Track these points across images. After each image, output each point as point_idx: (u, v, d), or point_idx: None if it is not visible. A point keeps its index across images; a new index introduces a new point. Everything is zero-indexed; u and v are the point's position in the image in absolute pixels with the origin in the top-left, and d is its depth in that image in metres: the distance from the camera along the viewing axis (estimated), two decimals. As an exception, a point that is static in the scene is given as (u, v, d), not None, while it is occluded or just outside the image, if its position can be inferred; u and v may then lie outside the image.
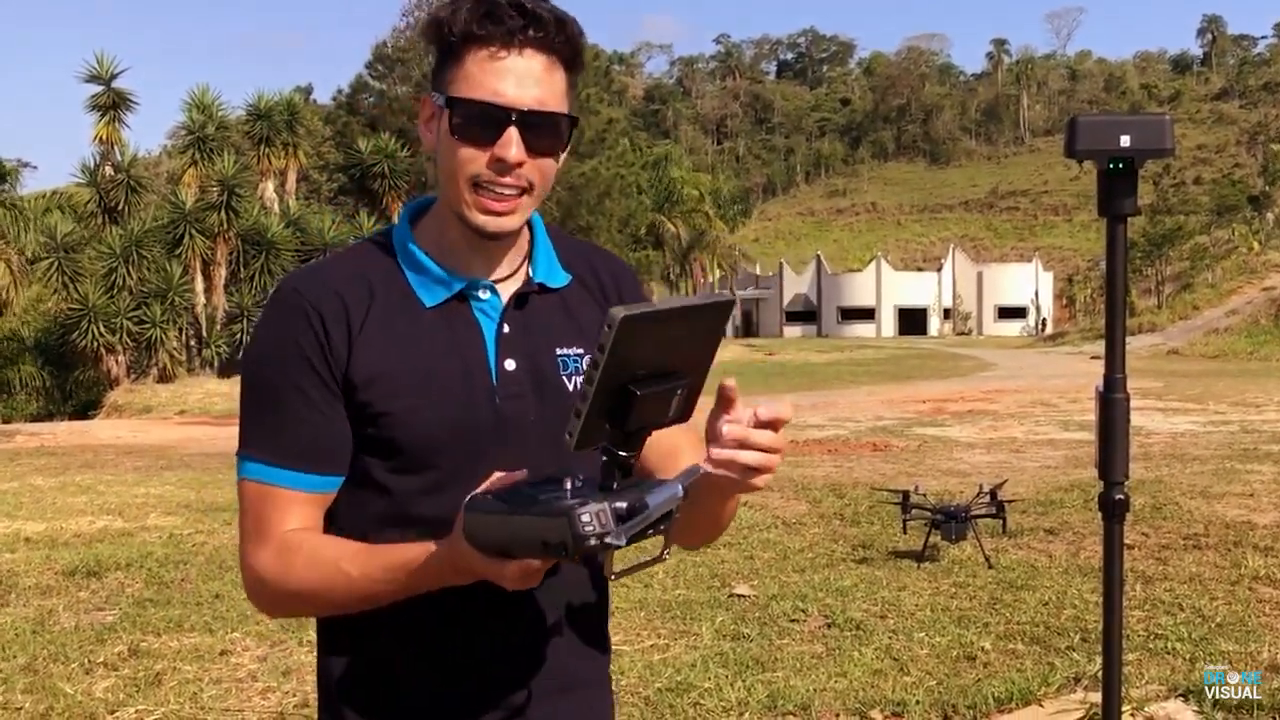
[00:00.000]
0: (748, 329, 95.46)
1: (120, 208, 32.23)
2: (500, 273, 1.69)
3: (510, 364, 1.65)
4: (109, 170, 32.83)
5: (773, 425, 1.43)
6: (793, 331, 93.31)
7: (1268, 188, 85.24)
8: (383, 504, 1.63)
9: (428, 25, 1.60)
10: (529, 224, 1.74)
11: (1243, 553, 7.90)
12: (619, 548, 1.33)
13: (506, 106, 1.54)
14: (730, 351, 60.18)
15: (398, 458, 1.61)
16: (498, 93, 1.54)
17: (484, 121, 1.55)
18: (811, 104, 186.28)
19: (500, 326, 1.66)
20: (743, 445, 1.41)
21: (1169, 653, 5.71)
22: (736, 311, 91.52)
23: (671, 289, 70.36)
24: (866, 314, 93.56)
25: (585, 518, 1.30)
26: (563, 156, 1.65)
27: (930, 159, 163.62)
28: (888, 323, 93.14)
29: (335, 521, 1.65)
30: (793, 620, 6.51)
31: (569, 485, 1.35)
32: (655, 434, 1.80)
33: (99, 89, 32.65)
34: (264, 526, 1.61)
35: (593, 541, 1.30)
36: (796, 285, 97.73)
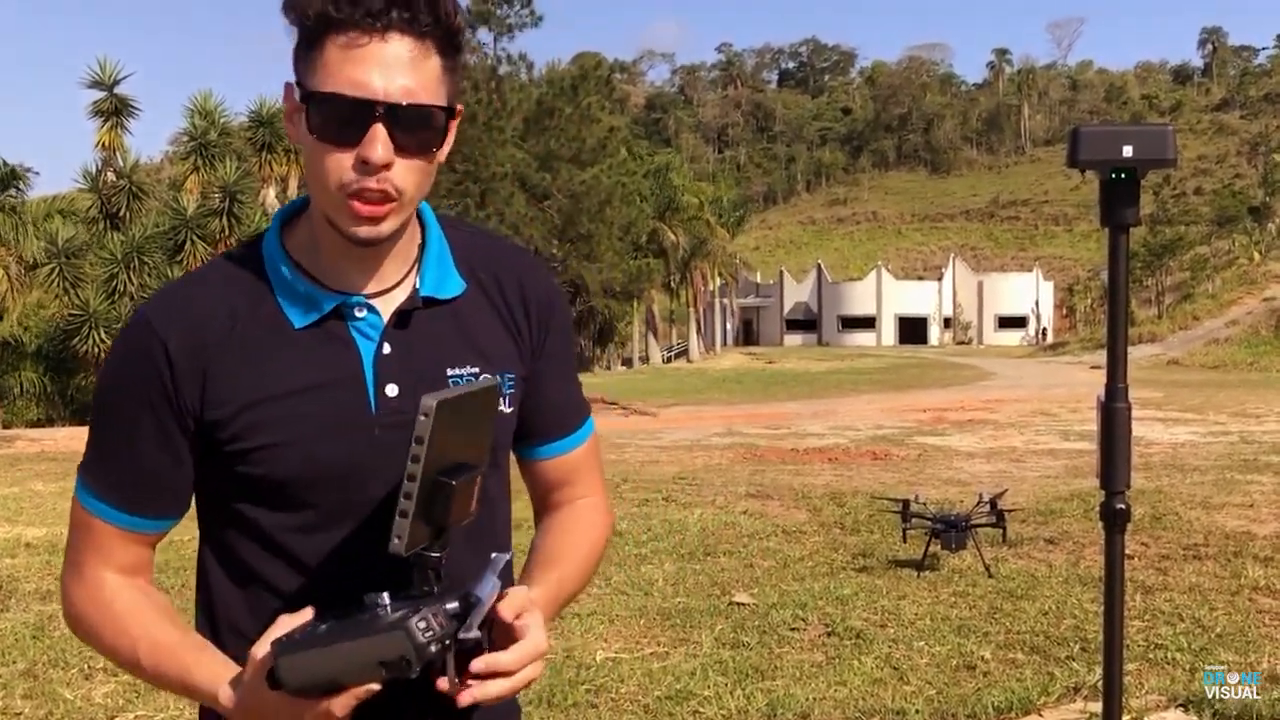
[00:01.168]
0: (748, 337, 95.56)
1: (122, 214, 32.18)
2: (384, 283, 1.51)
3: (392, 389, 1.49)
4: (111, 176, 32.77)
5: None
6: (793, 340, 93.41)
7: (1268, 198, 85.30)
8: (257, 547, 1.50)
9: (284, 3, 1.41)
10: (421, 224, 1.57)
11: (1242, 563, 7.89)
12: (476, 640, 1.30)
13: (370, 100, 1.35)
14: (731, 360, 60.26)
15: (271, 495, 1.47)
16: (359, 84, 1.35)
17: (346, 118, 1.36)
18: (813, 113, 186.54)
19: (380, 347, 1.49)
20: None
21: (1169, 663, 5.70)
22: (736, 319, 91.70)
23: (672, 297, 70.28)
24: (867, 323, 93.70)
25: (422, 624, 1.24)
26: (442, 154, 1.46)
27: (931, 168, 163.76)
28: (888, 331, 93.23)
29: (219, 564, 1.54)
30: (793, 628, 6.50)
31: (385, 602, 1.28)
32: (553, 466, 1.71)
33: (101, 95, 32.63)
34: (81, 557, 1.53)
35: (434, 647, 1.25)
36: (797, 294, 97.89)
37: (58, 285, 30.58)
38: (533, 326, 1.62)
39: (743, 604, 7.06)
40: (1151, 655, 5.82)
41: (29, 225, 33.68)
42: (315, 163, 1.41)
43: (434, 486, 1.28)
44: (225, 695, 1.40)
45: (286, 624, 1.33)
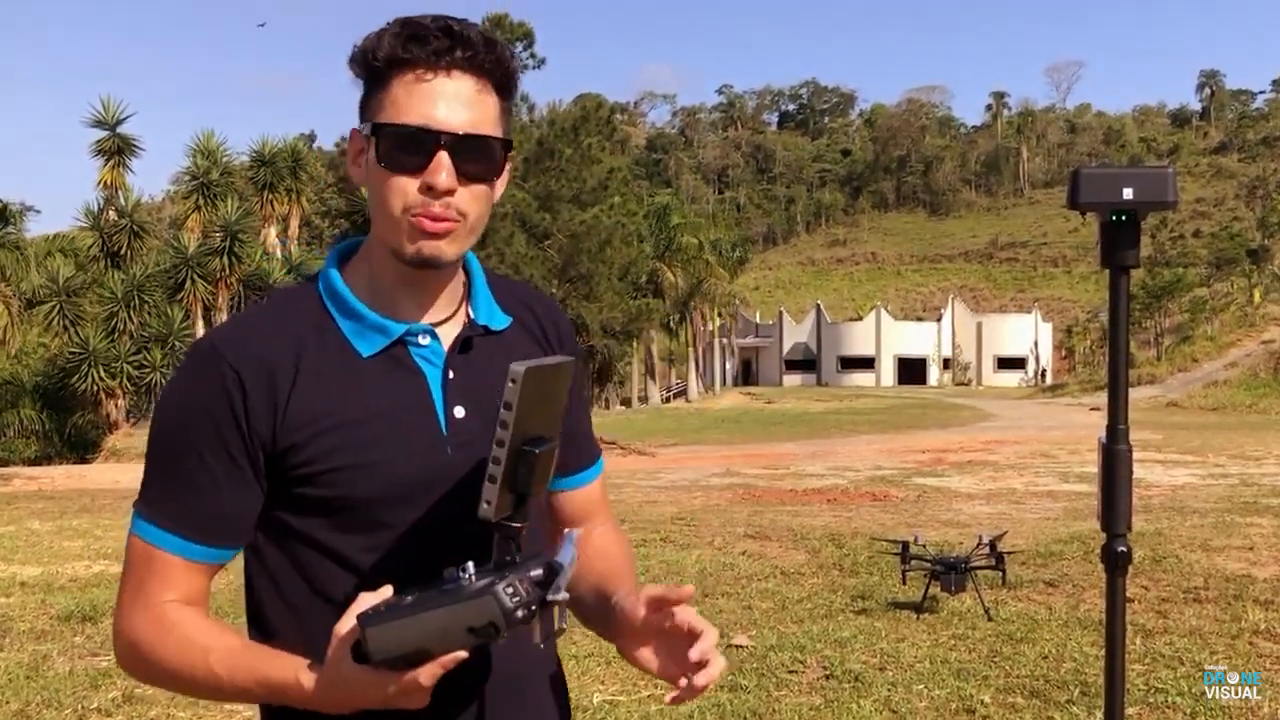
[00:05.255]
0: (747, 377, 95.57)
1: (123, 252, 32.29)
2: (438, 315, 1.61)
3: (459, 411, 1.57)
4: (112, 215, 32.89)
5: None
6: (792, 380, 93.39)
7: (1266, 241, 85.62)
8: (329, 567, 1.54)
9: (354, 56, 1.52)
10: (465, 266, 1.68)
11: (1243, 606, 7.85)
12: (564, 600, 1.32)
13: (436, 130, 1.46)
14: (729, 399, 60.21)
15: (342, 516, 1.52)
16: (426, 116, 1.47)
17: (412, 147, 1.47)
18: (812, 154, 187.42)
19: (446, 372, 1.58)
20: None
21: (1169, 707, 5.66)
22: (735, 359, 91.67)
23: (671, 337, 70.39)
24: (866, 363, 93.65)
25: (509, 590, 1.27)
26: (499, 185, 1.57)
27: (930, 210, 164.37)
28: (887, 372, 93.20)
29: (277, 588, 1.57)
30: (791, 671, 6.46)
31: (470, 572, 1.31)
32: (577, 498, 1.81)
33: (104, 134, 32.78)
34: (143, 590, 1.52)
35: (521, 613, 1.28)
36: (796, 334, 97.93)
37: (57, 323, 30.65)
38: None
39: (741, 646, 7.02)
40: (1152, 699, 5.78)
41: (30, 262, 33.75)
42: (380, 190, 1.50)
43: (518, 455, 1.32)
44: (306, 677, 1.41)
45: (368, 600, 1.36)
